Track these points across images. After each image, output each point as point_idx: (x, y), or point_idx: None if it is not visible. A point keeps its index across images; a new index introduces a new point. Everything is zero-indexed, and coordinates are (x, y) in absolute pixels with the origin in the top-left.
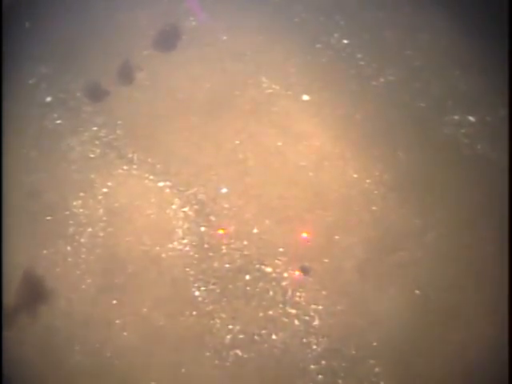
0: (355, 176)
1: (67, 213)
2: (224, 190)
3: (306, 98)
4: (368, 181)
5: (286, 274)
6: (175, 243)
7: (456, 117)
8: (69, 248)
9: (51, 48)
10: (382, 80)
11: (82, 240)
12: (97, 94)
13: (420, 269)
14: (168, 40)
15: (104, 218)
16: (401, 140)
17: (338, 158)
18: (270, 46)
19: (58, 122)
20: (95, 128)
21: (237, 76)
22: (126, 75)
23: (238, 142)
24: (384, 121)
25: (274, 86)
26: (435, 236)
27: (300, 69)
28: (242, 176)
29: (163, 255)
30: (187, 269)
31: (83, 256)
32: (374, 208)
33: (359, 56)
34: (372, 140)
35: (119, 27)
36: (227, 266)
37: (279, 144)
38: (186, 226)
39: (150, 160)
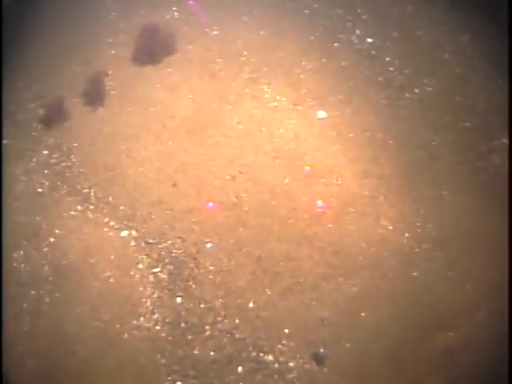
0: (390, 228)
1: (8, 267)
2: (209, 245)
3: (321, 114)
4: (407, 234)
5: (292, 364)
6: (142, 319)
7: (505, 140)
8: (10, 312)
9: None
10: (416, 91)
11: (25, 305)
12: (53, 107)
13: (472, 355)
14: (144, 45)
15: (50, 279)
16: (445, 175)
17: (367, 202)
18: (273, 45)
19: (3, 141)
20: (46, 152)
21: (229, 84)
22: (92, 88)
23: (228, 176)
24: (422, 148)
25: (278, 98)
26: (491, 310)
27: (313, 75)
28: (234, 225)
29: (125, 335)
30: (158, 356)
31: (25, 328)
32: (414, 273)
33: (388, 59)
34: (409, 175)
35: (89, 38)
36: (212, 353)
37: (285, 181)
38: (156, 294)
39: (111, 199)
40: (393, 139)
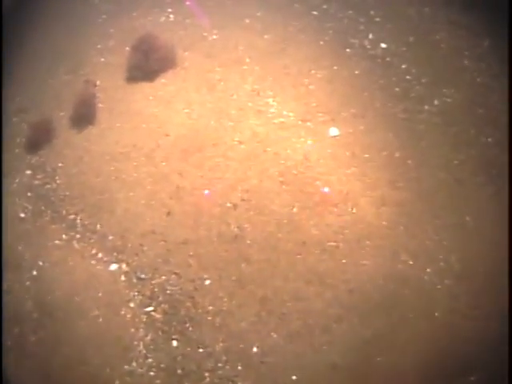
0: (410, 262)
1: None
2: (207, 282)
3: (333, 132)
4: (428, 269)
5: None
6: (134, 364)
7: None
8: None
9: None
10: (436, 102)
11: (9, 343)
12: (37, 121)
13: None
14: (136, 52)
15: (34, 315)
16: (468, 198)
17: (385, 233)
18: (278, 51)
19: None
20: (29, 172)
21: (229, 96)
22: (79, 100)
23: (229, 204)
24: (443, 168)
25: (285, 113)
26: None
27: (323, 86)
28: (236, 260)
29: (116, 382)
30: None
31: (9, 369)
32: (436, 313)
33: (404, 67)
34: (431, 200)
35: (76, 43)
36: None
37: (294, 210)
38: (149, 336)
39: (98, 227)
40: (412, 158)
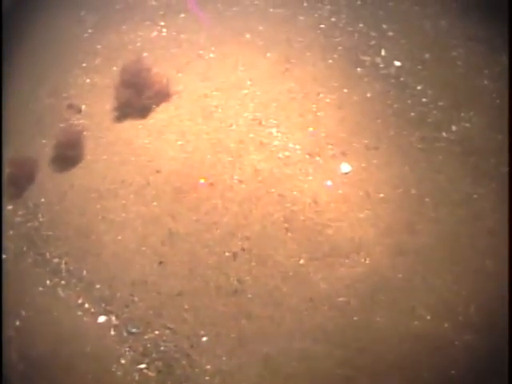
0: (427, 318)
1: None
2: (205, 339)
3: (345, 168)
4: (446, 325)
5: None
6: None
7: None
8: None
9: None
10: (454, 128)
11: None
12: (20, 150)
13: None
14: (124, 73)
15: (20, 367)
16: (488, 237)
17: (401, 286)
18: (282, 71)
19: None
20: (10, 207)
21: (228, 126)
22: (62, 128)
23: (227, 253)
24: (463, 204)
25: (291, 146)
26: None
27: (333, 113)
28: (236, 316)
29: None
30: None
31: None
32: (452, 371)
33: (419, 88)
34: (451, 244)
35: (60, 60)
36: None
37: (300, 262)
38: None
39: (85, 273)
40: (430, 195)
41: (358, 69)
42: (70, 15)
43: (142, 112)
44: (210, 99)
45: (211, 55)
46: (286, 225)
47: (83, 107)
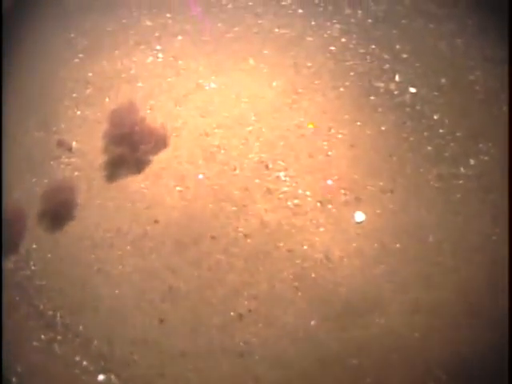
0: (444, 378)
1: None
2: None
3: (359, 217)
4: None
5: None
6: None
7: None
8: None
9: None
10: (472, 162)
11: None
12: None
13: None
14: (118, 107)
15: None
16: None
17: (416, 346)
18: (290, 104)
19: None
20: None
21: (231, 170)
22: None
23: (232, 313)
24: (481, 250)
25: (301, 192)
26: None
27: (345, 151)
28: (243, 379)
29: None
30: None
31: None
32: None
33: (436, 118)
34: (470, 297)
35: (49, 89)
36: None
37: (311, 323)
38: None
39: (81, 328)
40: (447, 241)
41: (372, 97)
42: (59, 38)
43: (138, 163)
44: (211, 138)
45: (212, 85)
46: (295, 283)
47: (74, 144)
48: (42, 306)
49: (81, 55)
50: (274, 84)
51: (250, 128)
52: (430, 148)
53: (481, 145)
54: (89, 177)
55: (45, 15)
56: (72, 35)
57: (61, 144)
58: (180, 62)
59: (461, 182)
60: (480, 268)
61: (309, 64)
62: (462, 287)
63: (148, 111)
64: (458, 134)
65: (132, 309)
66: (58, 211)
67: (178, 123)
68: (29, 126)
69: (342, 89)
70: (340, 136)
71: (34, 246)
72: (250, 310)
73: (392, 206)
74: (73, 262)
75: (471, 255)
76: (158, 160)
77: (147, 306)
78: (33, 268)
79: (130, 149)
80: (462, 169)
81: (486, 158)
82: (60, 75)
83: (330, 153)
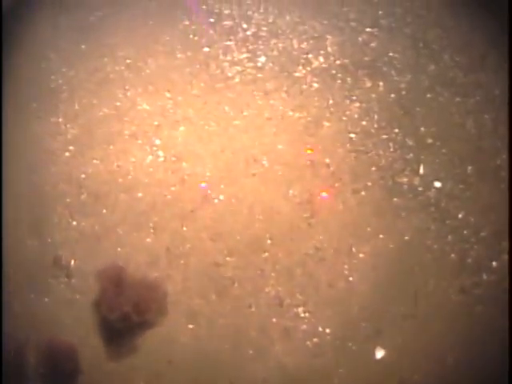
0: None
1: None
2: None
3: (379, 353)
4: None
5: None
6: None
7: None
8: None
9: None
10: (494, 264)
11: None
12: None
13: None
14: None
15: None
16: None
17: None
18: (304, 221)
19: None
20: None
21: (247, 307)
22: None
23: None
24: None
25: (320, 330)
26: None
27: (367, 274)
28: None
29: None
30: None
31: None
32: None
33: (461, 216)
34: None
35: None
36: None
37: None
38: None
39: None
40: (465, 363)
41: (395, 199)
42: (46, 123)
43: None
44: (223, 269)
45: (221, 197)
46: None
47: (72, 263)
48: None
49: (71, 147)
50: (291, 193)
51: (266, 255)
52: (453, 255)
53: (503, 242)
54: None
55: (30, 97)
56: (60, 120)
57: (57, 262)
58: (184, 163)
59: (482, 291)
60: None
61: (327, 160)
62: None
63: (151, 231)
64: (482, 234)
65: None
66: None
67: (185, 248)
68: (20, 230)
69: (363, 192)
70: (361, 255)
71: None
72: None
73: (413, 334)
74: None
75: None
76: (167, 294)
77: None
78: None
79: (125, 328)
80: (484, 275)
81: (506, 256)
82: (50, 173)
83: (350, 278)
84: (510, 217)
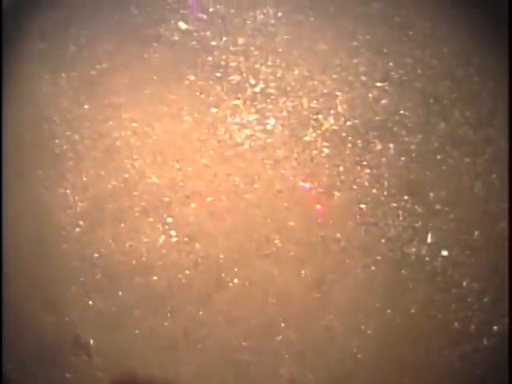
0: None
1: None
2: None
3: None
4: None
5: None
6: None
7: None
8: None
9: None
10: (495, 328)
11: None
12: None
13: None
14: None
15: None
16: None
17: None
18: (316, 301)
19: None
20: None
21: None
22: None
23: None
24: None
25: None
26: None
27: (372, 355)
28: None
29: None
30: None
31: None
32: None
33: (465, 284)
34: None
35: None
36: None
37: None
38: None
39: None
40: None
41: (403, 271)
42: (55, 194)
43: None
44: (241, 353)
45: (235, 280)
46: None
47: (92, 342)
48: None
49: (81, 222)
50: (303, 273)
51: (280, 337)
52: (456, 324)
53: (505, 304)
54: None
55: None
56: (68, 191)
57: (77, 342)
58: (197, 244)
59: (481, 355)
60: None
61: (338, 235)
62: None
63: (168, 315)
64: (485, 300)
65: None
66: None
67: (202, 333)
68: (35, 306)
69: (372, 267)
70: (370, 332)
71: None
72: None
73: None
74: None
75: None
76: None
77: None
78: None
79: None
80: (485, 340)
81: (507, 320)
82: (62, 248)
83: (359, 356)
84: (509, 276)
